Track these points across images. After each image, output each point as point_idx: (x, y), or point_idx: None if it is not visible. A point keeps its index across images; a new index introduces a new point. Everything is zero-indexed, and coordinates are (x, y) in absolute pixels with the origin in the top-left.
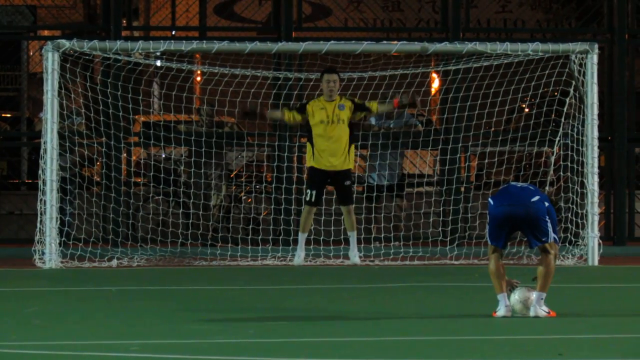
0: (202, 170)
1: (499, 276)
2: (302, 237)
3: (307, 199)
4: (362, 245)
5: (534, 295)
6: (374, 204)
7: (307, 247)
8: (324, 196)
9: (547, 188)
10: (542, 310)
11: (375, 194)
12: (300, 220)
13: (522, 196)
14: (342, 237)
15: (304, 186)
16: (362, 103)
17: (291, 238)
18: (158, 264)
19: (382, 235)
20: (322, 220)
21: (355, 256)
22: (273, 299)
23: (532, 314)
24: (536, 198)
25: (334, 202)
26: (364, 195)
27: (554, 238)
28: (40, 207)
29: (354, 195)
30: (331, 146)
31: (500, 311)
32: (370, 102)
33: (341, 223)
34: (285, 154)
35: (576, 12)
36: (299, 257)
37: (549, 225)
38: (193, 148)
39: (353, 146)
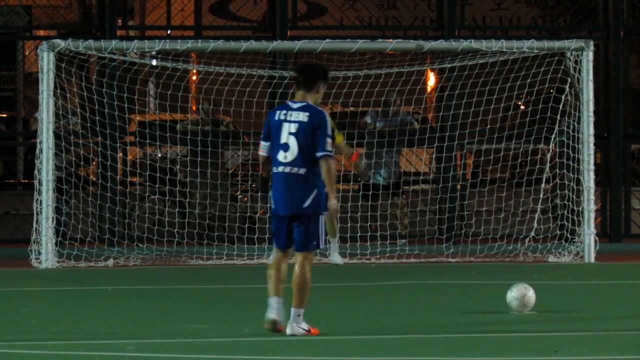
0: (198, 170)
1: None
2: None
3: None
4: (359, 243)
5: (531, 292)
6: (370, 202)
7: None
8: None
9: (543, 185)
10: (300, 329)
11: (371, 192)
12: None
13: (295, 198)
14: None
15: None
16: (333, 128)
17: None
18: (154, 263)
19: (379, 233)
20: None
21: (337, 257)
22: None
23: (288, 332)
24: (308, 202)
25: None
26: (360, 193)
27: (315, 245)
28: (37, 207)
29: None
30: None
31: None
32: (338, 132)
33: (337, 221)
34: None
35: (571, 9)
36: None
37: (320, 231)
38: (189, 147)
39: None
